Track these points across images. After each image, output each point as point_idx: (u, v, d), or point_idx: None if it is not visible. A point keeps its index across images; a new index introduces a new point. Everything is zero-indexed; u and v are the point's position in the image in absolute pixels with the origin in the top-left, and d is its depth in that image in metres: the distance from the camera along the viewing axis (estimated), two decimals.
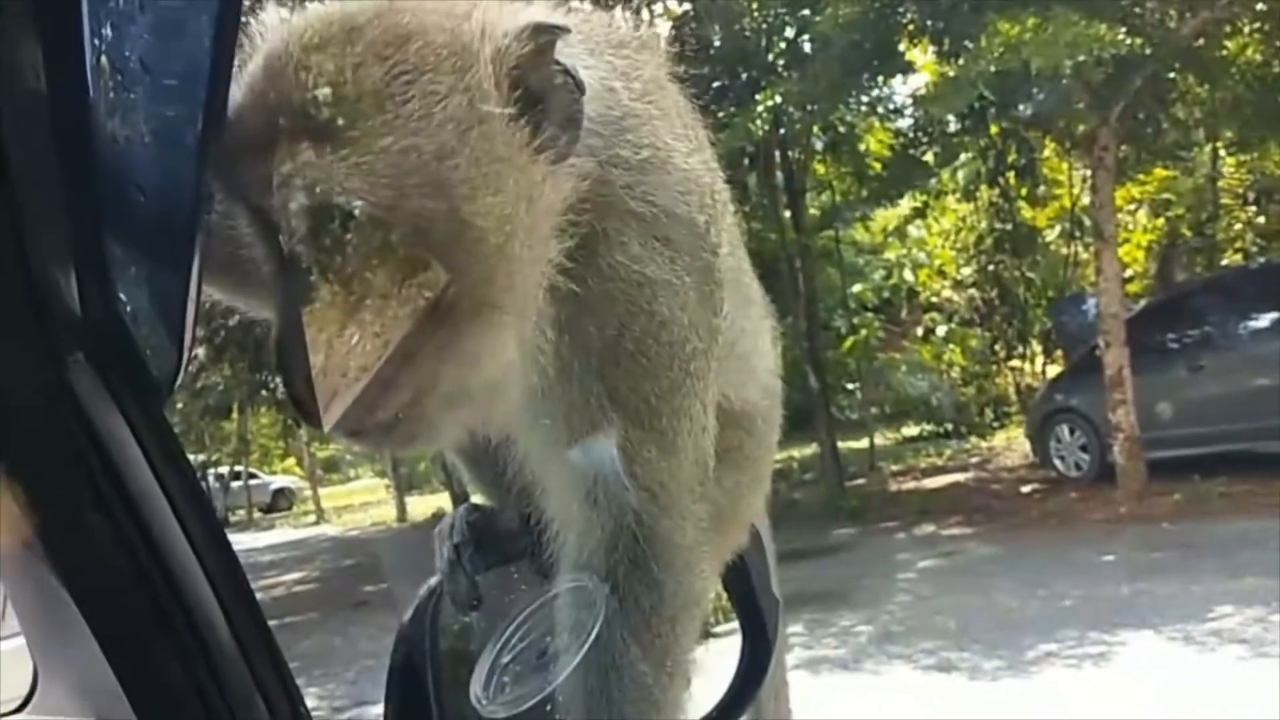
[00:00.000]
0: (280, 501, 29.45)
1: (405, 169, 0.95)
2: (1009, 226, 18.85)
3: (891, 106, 15.09)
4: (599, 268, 1.16)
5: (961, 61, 11.17)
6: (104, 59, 0.76)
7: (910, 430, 20.98)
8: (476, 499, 1.76)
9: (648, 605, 1.25)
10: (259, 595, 0.87)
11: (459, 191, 0.99)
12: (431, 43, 1.01)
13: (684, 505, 1.28)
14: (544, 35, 1.03)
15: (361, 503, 24.40)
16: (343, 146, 0.94)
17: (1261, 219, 18.22)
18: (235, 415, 21.71)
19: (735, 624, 1.66)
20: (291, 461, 32.09)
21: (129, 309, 0.78)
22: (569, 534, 1.29)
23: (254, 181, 0.97)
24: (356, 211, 0.95)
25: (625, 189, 1.18)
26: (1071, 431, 13.29)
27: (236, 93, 0.98)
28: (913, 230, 20.75)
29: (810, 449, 16.27)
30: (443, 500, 17.66)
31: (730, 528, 1.55)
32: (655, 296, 1.19)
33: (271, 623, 0.84)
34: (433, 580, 1.53)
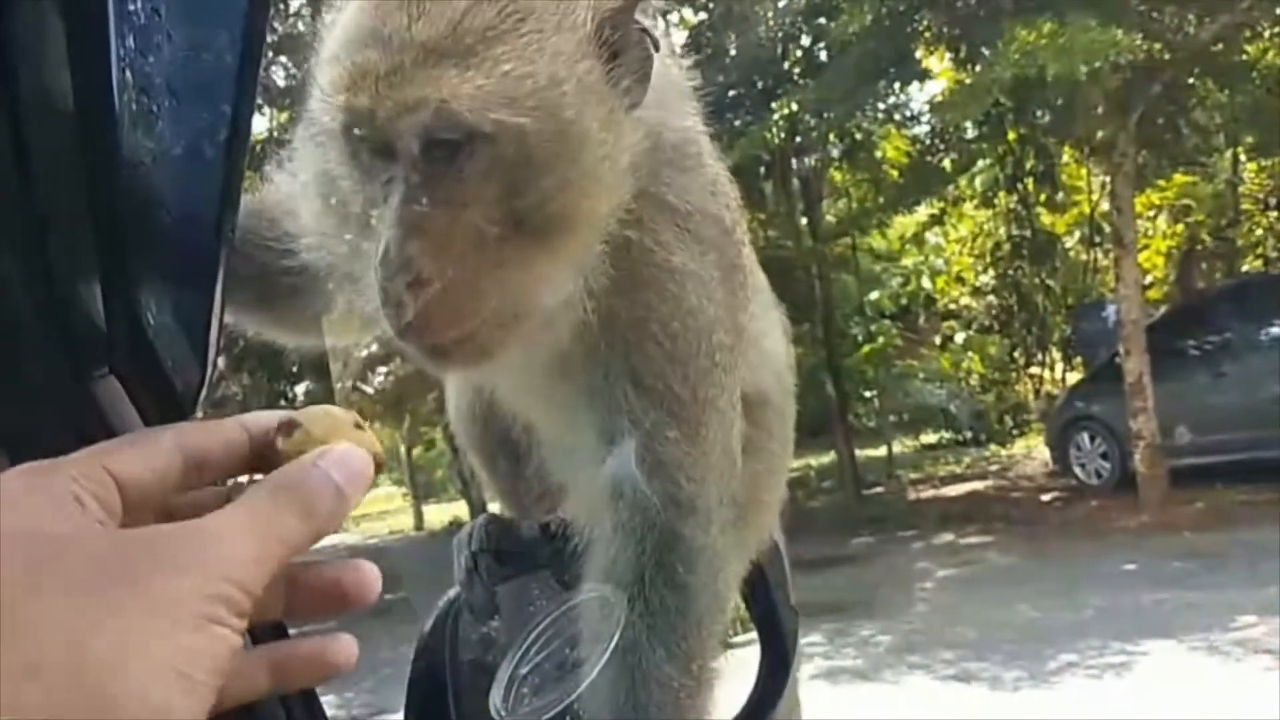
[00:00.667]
0: None
1: (524, 91, 1.05)
2: (1027, 233, 18.74)
3: (908, 113, 15.07)
4: (635, 253, 1.21)
5: (978, 68, 11.15)
6: (128, 73, 0.76)
7: (929, 438, 20.87)
8: (494, 508, 1.76)
9: (673, 607, 1.25)
10: None
11: (567, 115, 1.08)
12: None
13: (709, 499, 1.28)
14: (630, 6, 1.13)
15: (380, 511, 24.43)
16: (468, 69, 1.03)
17: None
18: None
19: (753, 634, 1.65)
20: None
21: (153, 323, 0.79)
22: (595, 533, 1.30)
23: (374, 105, 1.04)
24: (478, 127, 1.04)
25: (664, 184, 1.25)
26: (1092, 439, 13.19)
27: (341, 33, 1.10)
28: (930, 237, 20.66)
29: (828, 457, 16.21)
30: (460, 509, 17.69)
31: (750, 522, 1.55)
32: (684, 284, 1.24)
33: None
34: (452, 591, 1.53)
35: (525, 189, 1.08)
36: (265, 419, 0.66)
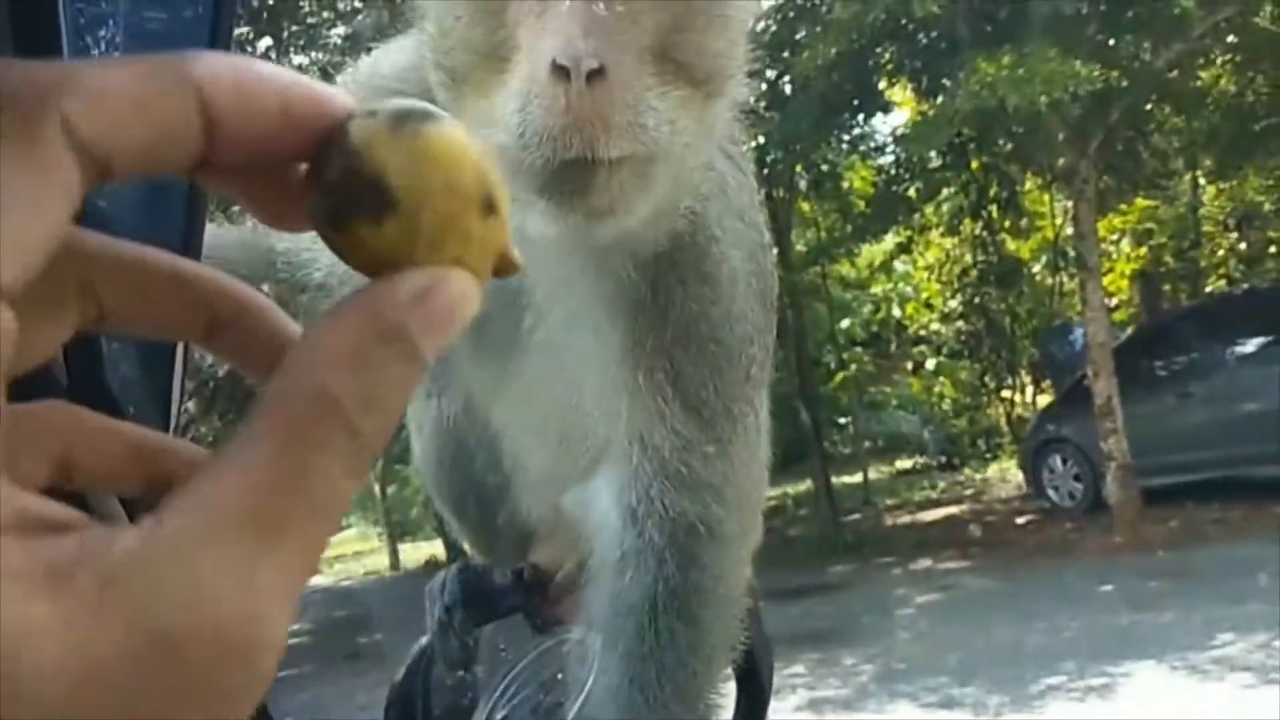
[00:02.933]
0: None
1: None
2: (993, 259, 18.96)
3: (873, 144, 15.25)
4: (697, 237, 1.17)
5: (940, 100, 11.32)
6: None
7: (903, 464, 20.95)
8: (468, 549, 1.74)
9: (684, 642, 1.22)
10: None
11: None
12: None
13: (733, 526, 1.24)
14: None
15: (354, 551, 24.16)
16: None
17: (1243, 245, 18.39)
18: None
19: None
20: None
21: (117, 378, 0.77)
22: (609, 555, 1.26)
23: None
24: None
25: (724, 170, 1.23)
26: (1064, 461, 13.28)
27: None
28: (898, 265, 20.86)
29: (804, 485, 16.22)
30: (436, 548, 17.52)
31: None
32: (734, 286, 1.20)
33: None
34: (424, 638, 1.51)
35: (690, 24, 1.05)
36: (329, 103, 0.40)
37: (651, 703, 1.21)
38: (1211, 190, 17.91)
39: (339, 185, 0.38)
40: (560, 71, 0.92)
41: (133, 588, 0.32)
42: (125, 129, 0.35)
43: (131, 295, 0.42)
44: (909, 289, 22.04)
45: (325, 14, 12.51)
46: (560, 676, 1.29)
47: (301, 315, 1.29)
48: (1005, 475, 17.37)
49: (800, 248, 17.14)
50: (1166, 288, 18.82)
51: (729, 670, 1.61)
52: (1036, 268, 19.74)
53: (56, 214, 0.34)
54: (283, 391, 0.35)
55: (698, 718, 1.26)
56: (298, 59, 11.56)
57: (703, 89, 1.06)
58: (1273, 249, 17.88)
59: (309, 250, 1.24)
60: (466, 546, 1.74)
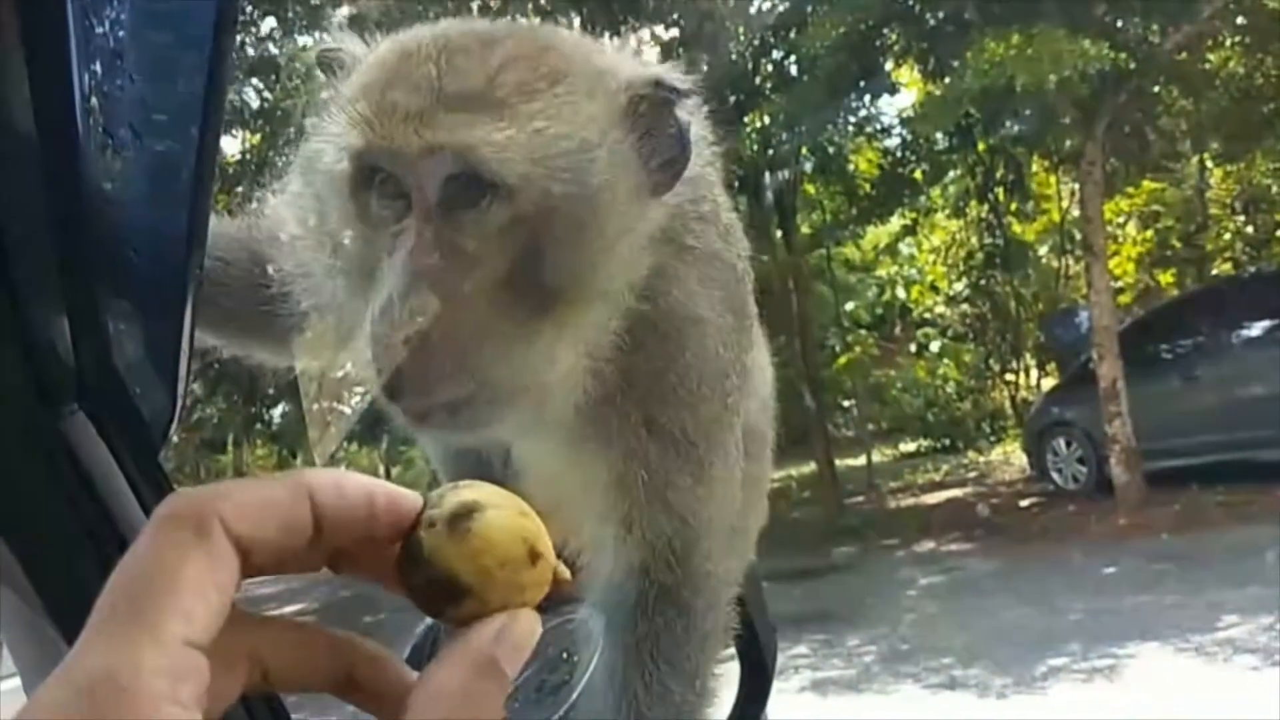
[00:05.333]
0: None
1: (554, 151, 1.01)
2: (999, 242, 18.91)
3: (879, 126, 15.20)
4: (657, 302, 1.19)
5: (947, 80, 11.26)
6: (93, 99, 0.75)
7: (907, 446, 20.96)
8: None
9: (679, 628, 1.26)
10: None
11: (594, 182, 1.04)
12: (567, 56, 1.08)
13: (716, 536, 1.28)
14: (666, 91, 1.10)
15: None
16: (501, 120, 0.99)
17: (1250, 228, 18.31)
18: (231, 449, 21.61)
19: (731, 650, 1.65)
20: None
21: (123, 358, 0.77)
22: (600, 562, 1.29)
23: (399, 144, 1.00)
24: (503, 178, 1.00)
25: (684, 231, 1.22)
26: (1068, 444, 13.28)
27: (373, 73, 1.05)
28: (903, 247, 20.82)
29: (808, 468, 16.24)
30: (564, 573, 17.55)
31: (737, 548, 1.55)
32: (704, 333, 1.22)
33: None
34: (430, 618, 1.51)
35: (541, 254, 1.03)
36: (401, 504, 0.55)
37: (648, 681, 1.23)
38: (1219, 173, 17.82)
39: (424, 588, 0.53)
40: (384, 335, 0.97)
41: None
42: (264, 528, 0.49)
43: (291, 660, 0.55)
44: (914, 272, 22.00)
45: None
46: (565, 656, 1.30)
47: (262, 322, 1.31)
48: (1009, 458, 17.37)
49: (805, 230, 17.11)
50: (1172, 271, 18.76)
51: (730, 650, 1.62)
52: (1042, 250, 19.69)
53: (228, 589, 0.47)
54: (431, 697, 0.50)
55: (695, 696, 1.27)
56: (302, 40, 11.52)
57: (566, 308, 1.07)
58: (1279, 232, 17.80)
59: (300, 278, 1.25)
60: None
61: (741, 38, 13.90)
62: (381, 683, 0.57)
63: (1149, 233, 18.58)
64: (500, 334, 1.03)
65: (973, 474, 17.20)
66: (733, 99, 13.80)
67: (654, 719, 1.24)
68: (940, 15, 11.63)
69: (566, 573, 0.57)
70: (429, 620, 1.51)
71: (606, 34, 13.29)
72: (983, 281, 19.85)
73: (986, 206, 18.18)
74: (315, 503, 0.51)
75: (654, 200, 1.12)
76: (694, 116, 1.16)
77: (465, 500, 0.54)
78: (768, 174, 14.99)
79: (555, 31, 1.14)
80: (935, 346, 21.00)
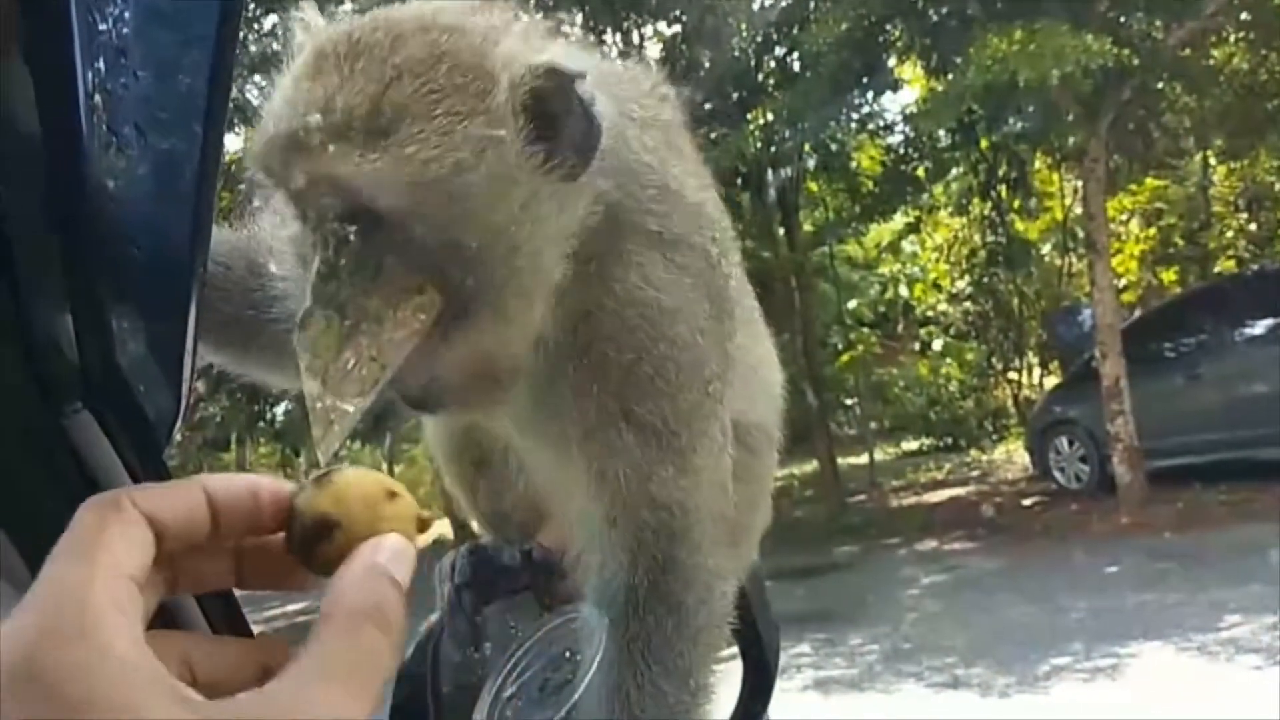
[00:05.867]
0: None
1: (425, 178, 1.03)
2: (1002, 239, 18.90)
3: (882, 123, 15.18)
4: (617, 290, 1.20)
5: (950, 76, 11.25)
6: (96, 97, 0.75)
7: (910, 445, 20.97)
8: (475, 527, 1.75)
9: (670, 626, 1.25)
10: (261, 628, 0.87)
11: (470, 204, 1.07)
12: (460, 65, 1.09)
13: (704, 527, 1.27)
14: (560, 78, 1.10)
15: None
16: (372, 151, 1.02)
17: (1253, 226, 18.29)
18: (234, 447, 21.63)
19: (734, 649, 1.64)
20: None
21: (126, 357, 0.77)
22: (590, 557, 1.29)
23: (282, 173, 1.07)
24: (370, 206, 1.04)
25: (643, 215, 1.23)
26: (1071, 443, 13.28)
27: (283, 87, 1.10)
28: (906, 245, 20.83)
29: (810, 466, 16.25)
30: (443, 527, 17.59)
31: (740, 545, 1.55)
32: (674, 320, 1.22)
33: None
34: (433, 616, 1.52)
35: (443, 264, 1.07)
36: (280, 489, 0.64)
37: (640, 681, 1.23)
38: (1222, 170, 17.80)
39: (301, 539, 0.62)
40: (305, 332, 1.04)
41: (251, 704, 0.51)
42: (168, 509, 0.58)
43: (213, 665, 0.62)
44: (917, 269, 22.00)
45: None
46: (568, 655, 1.29)
47: (262, 333, 1.32)
48: (1012, 457, 17.37)
49: (808, 227, 17.11)
50: (1175, 268, 18.74)
51: (732, 649, 1.62)
52: (1045, 248, 19.68)
53: (147, 547, 0.56)
54: (328, 610, 0.56)
55: (689, 696, 1.27)
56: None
57: (490, 295, 1.10)
58: None
59: (295, 287, 1.26)
60: (475, 526, 1.75)
61: (744, 34, 13.89)
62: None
63: (1152, 230, 18.56)
64: (428, 331, 1.07)
65: (975, 473, 17.21)
66: (735, 96, 13.80)
67: (646, 718, 1.24)
68: (943, 11, 11.61)
69: (433, 516, 0.65)
70: (432, 619, 1.52)
71: (609, 30, 13.28)
72: (985, 279, 19.84)
73: (989, 204, 18.17)
74: (208, 491, 0.60)
75: (572, 186, 1.13)
76: (602, 95, 1.14)
77: (334, 468, 0.64)
78: (770, 171, 15.00)
79: (461, 23, 1.13)
80: (938, 344, 21.01)
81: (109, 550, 0.54)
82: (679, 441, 1.23)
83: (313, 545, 0.61)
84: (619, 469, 1.21)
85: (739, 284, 1.49)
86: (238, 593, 0.76)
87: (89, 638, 0.50)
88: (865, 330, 20.50)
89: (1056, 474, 13.47)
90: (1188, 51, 12.10)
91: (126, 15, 0.75)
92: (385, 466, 20.53)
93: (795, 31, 13.04)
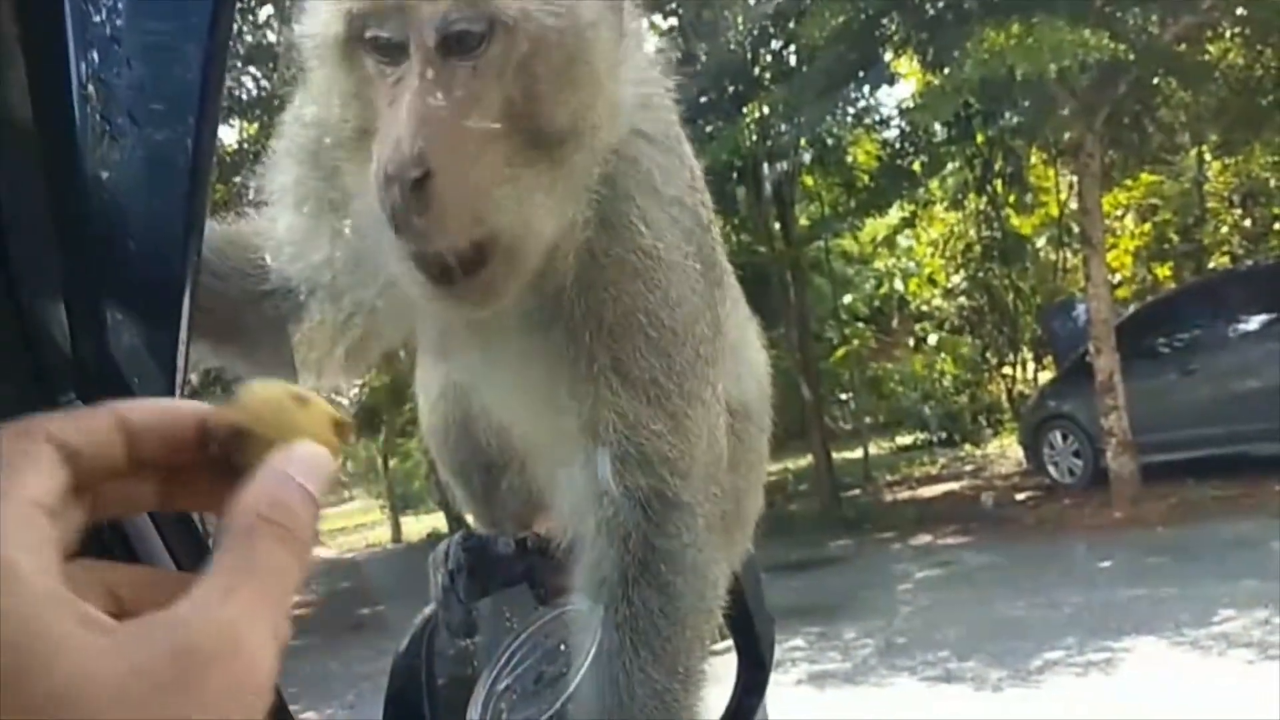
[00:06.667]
0: None
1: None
2: (997, 234, 18.92)
3: (878, 117, 15.18)
4: (622, 235, 1.21)
5: (947, 71, 11.24)
6: (90, 87, 0.75)
7: (904, 439, 20.99)
8: (470, 520, 1.75)
9: (657, 608, 1.24)
10: None
11: (586, 19, 1.11)
12: None
13: (695, 495, 1.27)
14: None
15: (356, 524, 24.28)
16: None
17: (1248, 221, 18.32)
18: None
19: (729, 642, 1.64)
20: None
21: (120, 347, 0.77)
22: (578, 533, 1.29)
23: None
24: (500, 15, 1.04)
25: (651, 168, 1.25)
26: (1064, 438, 13.31)
27: None
28: (901, 240, 20.81)
29: (804, 460, 16.26)
30: (438, 520, 17.60)
31: (734, 534, 1.55)
32: (670, 272, 1.23)
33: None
34: (428, 608, 1.52)
35: (535, 91, 1.07)
36: (197, 408, 0.63)
37: (629, 668, 1.23)
38: (1217, 166, 17.81)
39: (217, 448, 0.61)
40: (393, 179, 1.00)
41: (157, 625, 0.51)
42: (78, 432, 0.57)
43: (139, 594, 0.60)
44: (912, 264, 22.00)
45: None
46: (563, 647, 1.30)
47: (251, 325, 1.33)
48: (1006, 451, 17.40)
49: (803, 222, 17.09)
50: (1170, 264, 18.77)
51: (727, 643, 1.62)
52: (1040, 243, 19.69)
53: (56, 473, 0.55)
54: (229, 521, 0.55)
55: (678, 685, 1.26)
56: (300, 28, 11.46)
57: (558, 150, 1.11)
58: (1277, 225, 17.80)
59: (297, 261, 1.28)
60: (469, 518, 1.75)
61: (740, 27, 13.87)
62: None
63: (1147, 226, 18.59)
64: (502, 175, 1.07)
65: (969, 467, 17.24)
66: (731, 89, 13.77)
67: (637, 709, 1.23)
68: (939, 5, 11.61)
69: (349, 422, 0.64)
70: (427, 611, 1.52)
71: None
72: (980, 274, 19.87)
73: (985, 199, 18.18)
74: (121, 414, 0.60)
75: (627, 60, 1.18)
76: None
77: (246, 386, 0.64)
78: (766, 165, 14.97)
79: None
80: (932, 339, 21.02)
81: (17, 477, 0.53)
82: (670, 401, 1.23)
83: (228, 461, 0.61)
84: (610, 422, 1.21)
85: (724, 260, 1.50)
86: None
87: None
88: (860, 325, 20.52)
89: (1050, 469, 13.50)
90: (1183, 47, 12.10)
91: (120, 5, 0.75)
92: (380, 460, 20.53)
93: (791, 25, 13.02)
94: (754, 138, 12.48)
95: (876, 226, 19.39)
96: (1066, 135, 12.79)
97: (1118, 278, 17.09)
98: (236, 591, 0.53)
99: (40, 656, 0.48)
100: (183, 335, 0.77)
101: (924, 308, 22.11)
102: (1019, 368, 20.01)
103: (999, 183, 17.65)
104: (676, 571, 1.26)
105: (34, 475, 0.54)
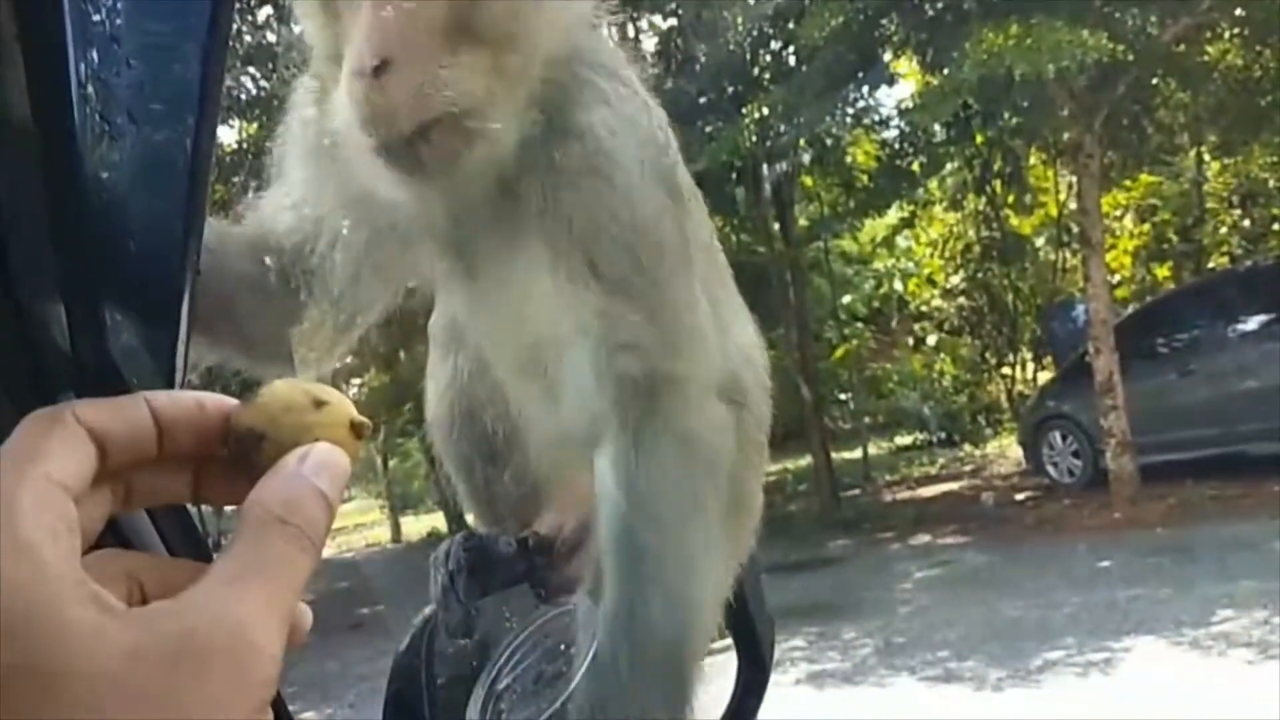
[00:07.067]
0: None
1: None
2: (996, 234, 18.93)
3: (877, 117, 15.16)
4: (579, 141, 1.29)
5: (946, 71, 11.25)
6: (89, 87, 0.75)
7: (903, 440, 21.00)
8: (471, 519, 1.75)
9: (664, 476, 1.27)
10: None
11: None
12: None
13: (681, 372, 1.30)
14: None
15: (355, 524, 24.30)
16: None
17: (1246, 222, 18.34)
18: None
19: (729, 641, 1.64)
20: None
21: (119, 347, 0.77)
22: (579, 431, 1.33)
23: None
24: None
25: (603, 84, 1.34)
26: (1064, 438, 13.31)
27: None
28: (901, 240, 20.83)
29: (804, 460, 16.26)
30: (437, 520, 17.61)
31: (736, 520, 1.55)
32: (628, 177, 1.30)
33: None
34: (428, 608, 1.52)
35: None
36: (225, 403, 0.64)
37: (638, 537, 1.24)
38: (1216, 166, 17.83)
39: (235, 452, 0.62)
40: (358, 74, 1.14)
41: (167, 611, 0.52)
42: (110, 421, 0.58)
43: (161, 582, 0.60)
44: (911, 264, 22.02)
45: None
46: (563, 647, 1.30)
47: (249, 318, 1.35)
48: (1005, 451, 17.41)
49: (802, 222, 17.11)
50: (1169, 264, 18.78)
51: (726, 642, 1.62)
52: (1039, 243, 19.71)
53: (86, 459, 0.56)
54: (242, 517, 0.57)
55: (679, 567, 1.27)
56: (299, 28, 11.47)
57: (503, 48, 1.23)
58: (1276, 226, 17.82)
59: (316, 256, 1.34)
60: (469, 517, 1.75)
61: (739, 28, 13.86)
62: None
63: (1146, 226, 18.60)
64: (449, 61, 1.18)
65: (969, 467, 17.24)
66: (730, 90, 13.77)
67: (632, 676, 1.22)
68: (939, 6, 11.61)
69: (367, 422, 0.65)
70: (427, 611, 1.52)
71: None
72: (979, 274, 19.89)
73: (984, 199, 18.20)
74: (153, 405, 0.61)
75: None
76: None
77: (265, 385, 0.65)
78: (765, 165, 14.98)
79: None
80: (932, 340, 21.04)
81: (44, 459, 0.54)
82: (647, 298, 1.28)
83: (247, 457, 0.62)
84: (591, 321, 1.27)
85: (703, 219, 1.58)
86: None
87: (3, 538, 0.50)
88: (860, 325, 20.54)
89: (1049, 469, 13.51)
90: (1182, 47, 12.11)
91: (119, 5, 0.75)
92: (379, 460, 20.52)
93: (791, 25, 13.02)
94: (753, 138, 12.47)
95: (876, 227, 19.41)
96: (1065, 136, 12.81)
97: (1117, 278, 17.11)
98: (245, 582, 0.53)
99: (46, 636, 0.48)
100: (182, 335, 0.77)
101: (923, 308, 22.13)
102: (1018, 368, 20.02)
103: (998, 183, 17.66)
104: (682, 442, 1.28)
105: (61, 457, 0.55)
